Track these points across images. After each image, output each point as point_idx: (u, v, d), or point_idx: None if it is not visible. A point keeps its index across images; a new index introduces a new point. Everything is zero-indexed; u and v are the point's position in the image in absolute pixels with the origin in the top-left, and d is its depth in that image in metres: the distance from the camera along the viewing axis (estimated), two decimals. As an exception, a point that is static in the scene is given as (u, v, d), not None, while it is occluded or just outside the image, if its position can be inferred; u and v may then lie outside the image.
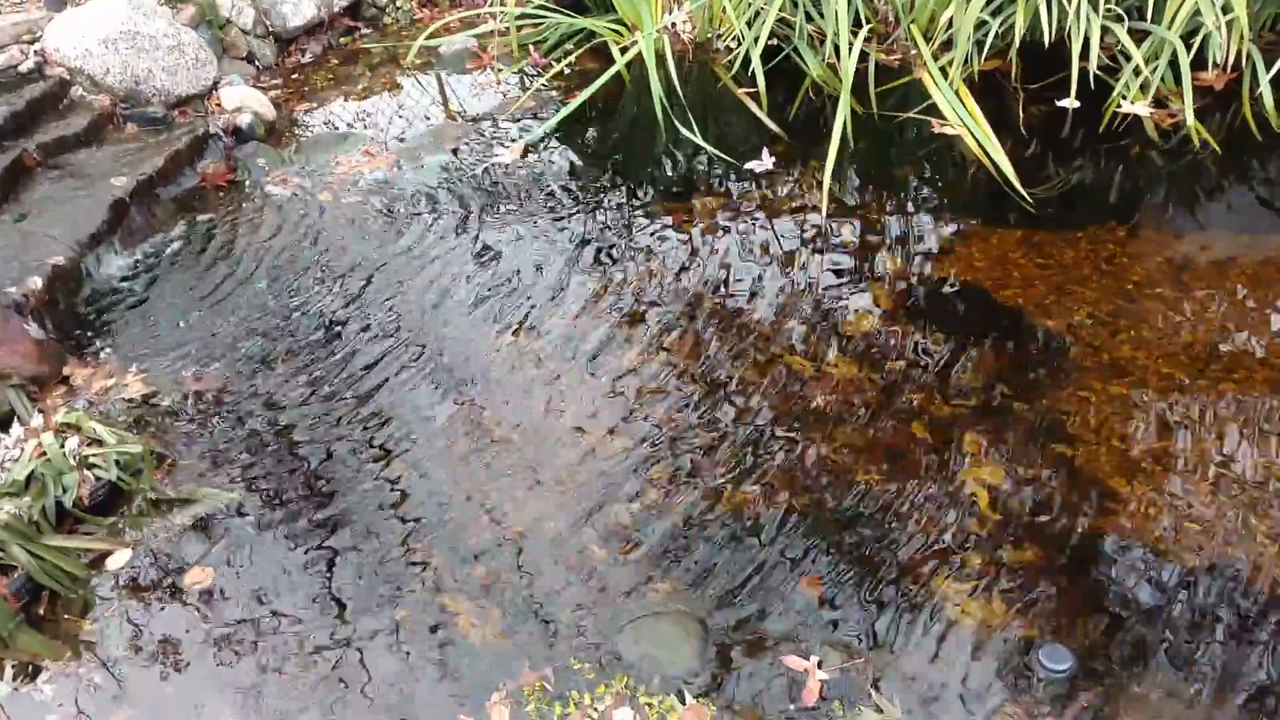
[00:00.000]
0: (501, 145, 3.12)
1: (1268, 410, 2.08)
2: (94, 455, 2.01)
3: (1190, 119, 2.81)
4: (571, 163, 3.05)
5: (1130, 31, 2.93)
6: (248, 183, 3.01)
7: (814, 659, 1.66)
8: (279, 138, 3.26)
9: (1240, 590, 1.76)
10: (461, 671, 1.70)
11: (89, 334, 2.44)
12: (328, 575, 1.87)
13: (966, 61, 3.00)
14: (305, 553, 1.91)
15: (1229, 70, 2.95)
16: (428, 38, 3.57)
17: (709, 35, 3.44)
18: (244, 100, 3.26)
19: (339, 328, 2.45)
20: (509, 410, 2.20)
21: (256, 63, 3.67)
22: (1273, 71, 2.84)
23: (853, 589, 1.79)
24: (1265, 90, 2.84)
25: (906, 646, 1.70)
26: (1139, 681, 1.63)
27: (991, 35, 3.02)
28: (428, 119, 3.32)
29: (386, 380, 2.29)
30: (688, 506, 1.96)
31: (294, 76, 3.65)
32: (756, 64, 3.06)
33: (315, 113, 3.40)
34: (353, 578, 1.86)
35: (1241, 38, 2.81)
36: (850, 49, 2.94)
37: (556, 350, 2.36)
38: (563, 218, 2.79)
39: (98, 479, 1.99)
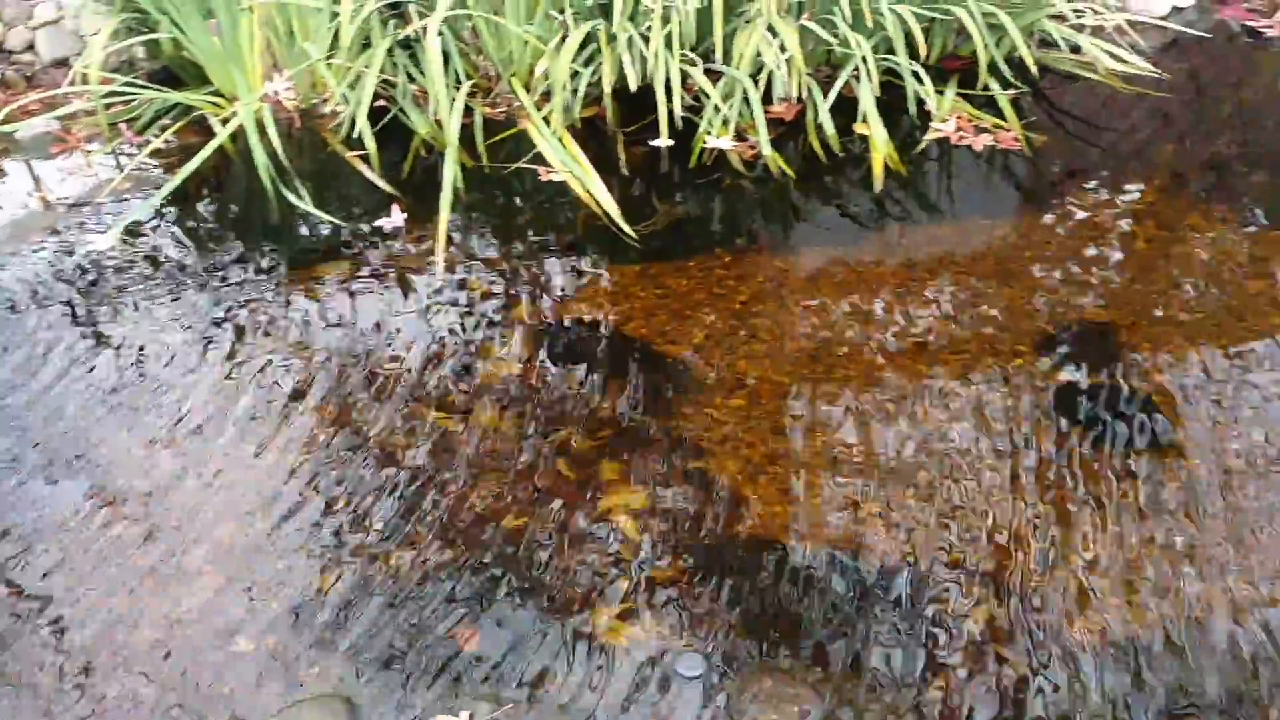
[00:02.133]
0: (97, 231, 2.90)
1: (864, 401, 2.32)
2: None
3: (767, 149, 3.11)
4: (185, 242, 2.90)
5: (706, 73, 3.20)
6: None
7: (464, 714, 1.66)
8: None
9: (858, 570, 1.94)
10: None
11: None
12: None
13: (566, 110, 3.15)
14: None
15: (795, 103, 3.29)
16: (1, 123, 3.27)
17: (313, 101, 3.39)
18: None
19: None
20: (159, 506, 2.05)
21: None
22: (828, 101, 3.20)
23: (508, 634, 1.82)
24: (825, 119, 3.19)
25: (559, 681, 1.74)
26: (770, 673, 1.76)
27: (585, 84, 3.19)
28: (8, 210, 3.03)
29: (15, 504, 2.07)
30: (346, 578, 1.91)
31: None
32: (363, 127, 3.05)
33: None
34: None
35: (800, 73, 3.15)
36: (452, 106, 3.01)
37: (199, 437, 2.23)
38: (182, 299, 2.65)
39: None
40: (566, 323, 2.59)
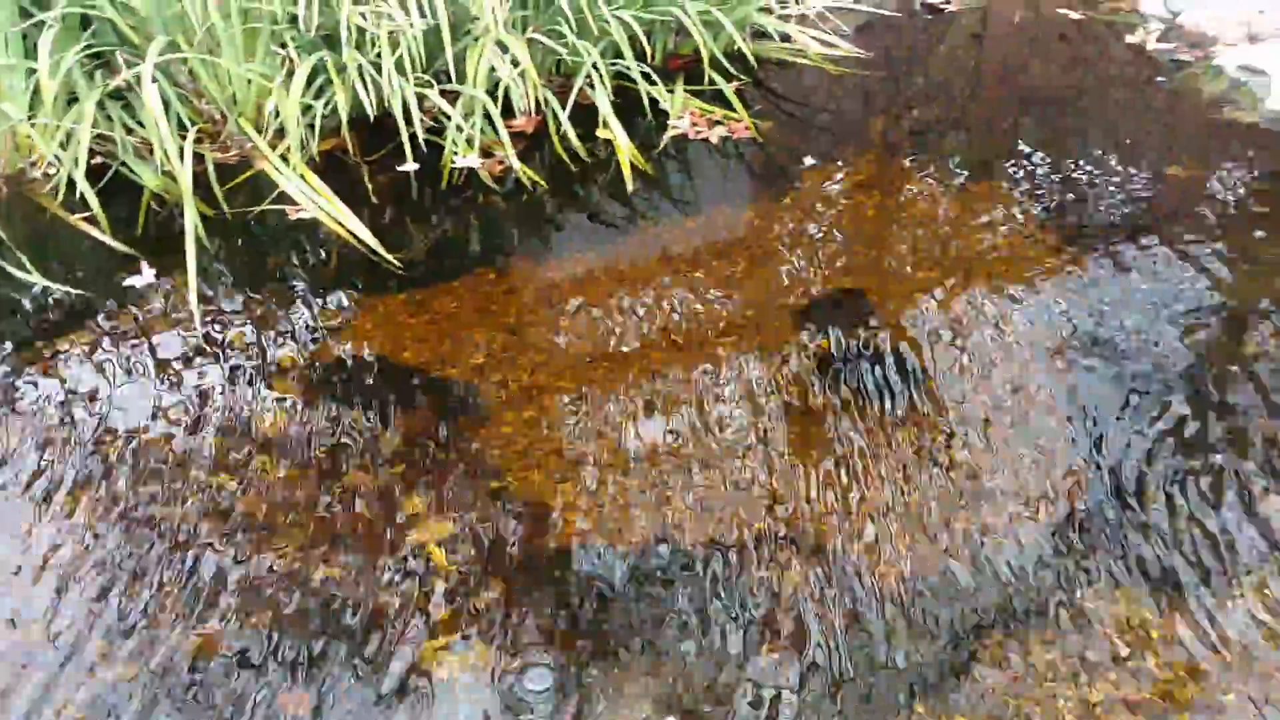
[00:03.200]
0: None
1: (649, 396, 2.39)
2: None
3: (515, 163, 3.14)
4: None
5: (444, 93, 3.19)
6: None
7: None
8: None
9: (674, 559, 2.01)
10: None
11: None
12: None
13: (304, 146, 3.06)
14: None
15: (535, 115, 3.34)
16: None
17: (20, 166, 3.13)
18: None
19: None
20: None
21: None
22: (567, 110, 3.26)
23: (336, 691, 1.76)
24: (567, 127, 3.25)
25: (406, 725, 1.71)
26: (617, 671, 1.80)
27: (319, 117, 3.11)
28: None
29: None
30: (147, 669, 1.79)
31: None
32: (84, 187, 2.85)
33: None
34: None
35: (535, 85, 3.19)
36: (181, 154, 2.86)
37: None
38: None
39: None
40: (338, 361, 2.52)
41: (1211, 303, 2.64)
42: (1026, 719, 1.71)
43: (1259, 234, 2.90)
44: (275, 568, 1.99)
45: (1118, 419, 2.30)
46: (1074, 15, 4.39)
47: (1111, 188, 3.17)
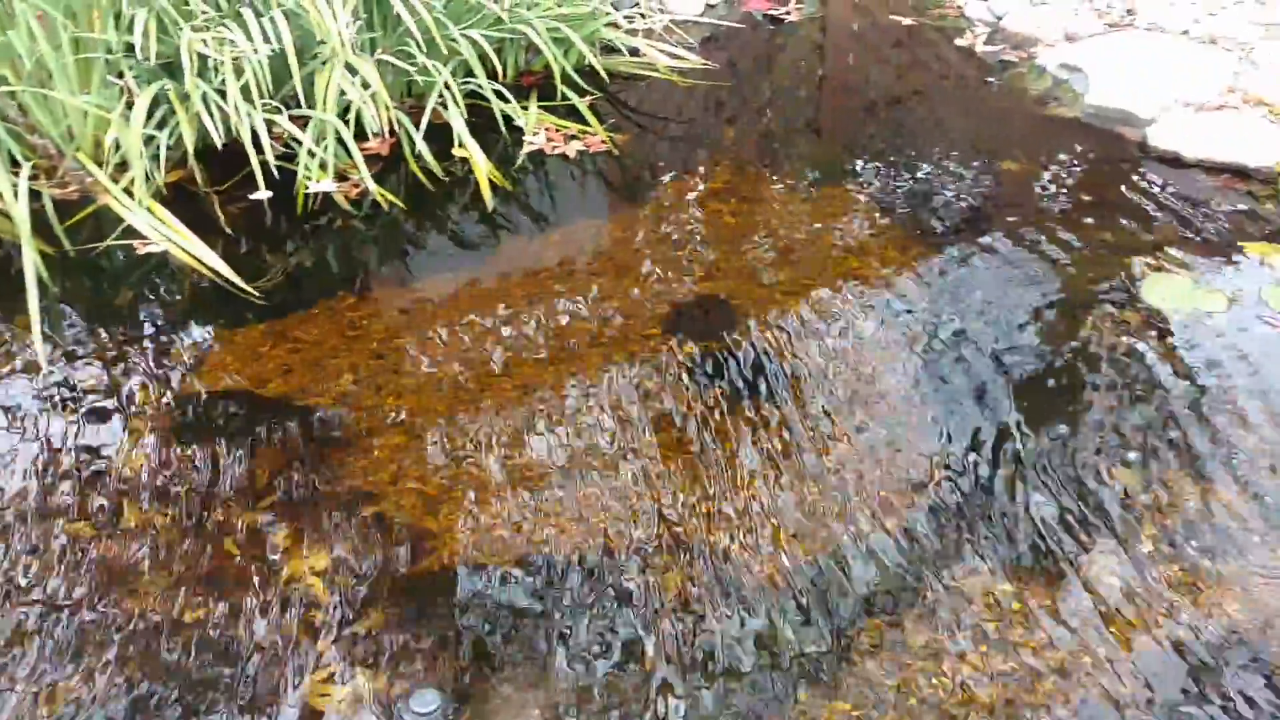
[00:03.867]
0: None
1: (521, 411, 2.40)
2: None
3: (371, 185, 3.10)
4: None
5: (293, 118, 3.14)
6: None
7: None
8: None
9: (555, 572, 2.02)
10: None
11: None
12: None
13: (149, 178, 2.96)
14: None
15: (389, 136, 3.31)
16: None
17: None
18: None
19: None
20: None
21: None
22: (421, 130, 3.25)
23: (221, 732, 1.73)
24: (422, 148, 3.24)
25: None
26: (505, 689, 1.80)
27: (164, 148, 3.02)
28: None
29: None
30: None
31: None
32: (-91, 230, 2.71)
33: None
34: None
35: (387, 107, 3.16)
36: (15, 191, 2.73)
37: None
38: None
39: None
40: (198, 398, 2.45)
41: (1051, 286, 2.79)
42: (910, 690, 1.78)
43: (1089, 220, 3.08)
44: (144, 614, 1.93)
45: (969, 403, 2.41)
46: (906, 21, 4.58)
47: (953, 183, 3.32)
